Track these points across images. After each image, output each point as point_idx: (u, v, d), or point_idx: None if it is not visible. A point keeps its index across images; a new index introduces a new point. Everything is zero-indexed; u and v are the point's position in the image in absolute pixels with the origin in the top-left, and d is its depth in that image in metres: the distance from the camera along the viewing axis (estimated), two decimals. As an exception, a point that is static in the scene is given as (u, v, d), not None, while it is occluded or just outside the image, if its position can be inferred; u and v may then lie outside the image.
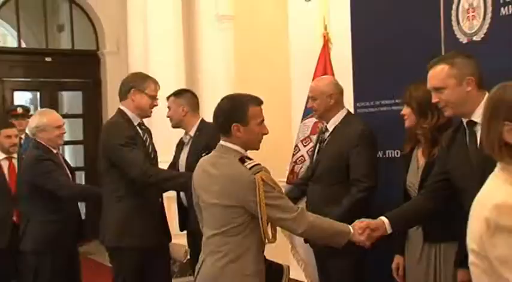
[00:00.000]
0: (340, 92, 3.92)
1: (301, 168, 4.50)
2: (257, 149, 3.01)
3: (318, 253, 3.97)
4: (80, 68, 9.53)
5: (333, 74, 4.54)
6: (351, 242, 3.33)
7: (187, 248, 5.80)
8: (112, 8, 9.34)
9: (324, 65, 4.62)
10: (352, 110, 4.09)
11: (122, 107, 4.11)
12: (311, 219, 2.93)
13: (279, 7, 6.26)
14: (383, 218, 3.07)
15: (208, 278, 2.95)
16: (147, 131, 4.25)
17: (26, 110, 6.57)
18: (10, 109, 6.71)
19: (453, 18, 3.65)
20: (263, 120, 2.99)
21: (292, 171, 4.53)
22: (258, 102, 2.99)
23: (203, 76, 7.57)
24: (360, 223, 3.06)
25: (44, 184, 4.29)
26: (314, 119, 4.51)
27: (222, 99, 3.00)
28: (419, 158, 3.30)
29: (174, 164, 4.59)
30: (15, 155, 5.19)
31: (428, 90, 3.20)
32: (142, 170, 3.86)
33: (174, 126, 4.55)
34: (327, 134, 3.90)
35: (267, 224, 2.83)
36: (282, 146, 5.50)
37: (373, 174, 3.72)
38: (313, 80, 4.67)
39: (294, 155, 4.59)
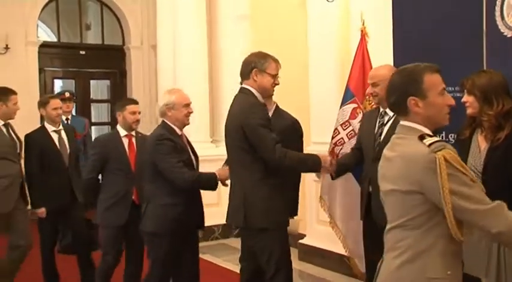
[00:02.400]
0: None
1: (340, 149, 3.99)
2: (445, 124, 2.09)
3: (372, 228, 3.41)
4: (108, 60, 9.21)
5: (371, 66, 4.01)
6: None
7: None
8: (136, 8, 9.09)
9: (362, 58, 4.09)
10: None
11: (247, 87, 3.29)
12: None
13: (298, 7, 5.66)
14: None
15: (386, 280, 2.06)
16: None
17: (72, 94, 6.15)
18: (58, 93, 6.24)
19: (497, 13, 3.15)
20: (444, 88, 2.05)
21: (332, 152, 4.01)
22: (435, 69, 2.06)
23: (223, 73, 6.91)
24: None
25: (160, 166, 3.48)
26: (352, 105, 4.01)
27: (393, 74, 2.12)
28: (480, 142, 2.79)
29: None
30: (133, 133, 4.21)
31: (491, 78, 2.74)
32: (278, 153, 3.11)
33: None
34: (387, 117, 3.40)
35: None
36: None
37: None
38: (350, 73, 4.20)
39: (333, 137, 4.07)
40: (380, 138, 3.40)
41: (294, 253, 5.77)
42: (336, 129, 4.04)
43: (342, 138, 3.98)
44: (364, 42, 4.07)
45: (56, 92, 6.90)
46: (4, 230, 4.38)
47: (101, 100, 9.62)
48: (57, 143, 4.60)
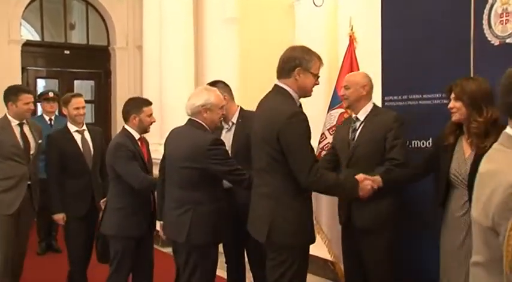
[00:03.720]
0: (371, 86, 3.44)
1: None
2: None
3: (351, 232, 3.41)
4: (93, 61, 9.12)
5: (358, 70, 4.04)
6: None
7: None
8: (122, 9, 9.03)
9: (350, 63, 4.11)
10: (379, 104, 3.61)
11: (284, 86, 2.88)
12: None
13: (287, 11, 5.69)
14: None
15: None
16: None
17: (56, 94, 6.06)
18: (42, 93, 6.19)
19: (484, 22, 3.18)
20: None
21: (318, 157, 4.03)
22: None
23: (210, 75, 6.86)
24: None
25: (219, 169, 3.14)
26: (340, 110, 4.03)
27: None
28: (465, 149, 2.82)
29: None
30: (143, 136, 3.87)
31: (480, 85, 2.77)
32: (312, 177, 2.74)
33: None
34: (358, 123, 3.39)
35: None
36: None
37: (404, 153, 3.27)
38: (338, 78, 4.20)
39: (320, 142, 4.09)
40: (353, 143, 3.38)
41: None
42: (323, 133, 4.07)
43: (329, 142, 4.00)
44: (353, 47, 4.10)
45: (39, 92, 6.80)
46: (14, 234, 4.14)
47: (85, 101, 9.47)
48: (80, 144, 4.28)
